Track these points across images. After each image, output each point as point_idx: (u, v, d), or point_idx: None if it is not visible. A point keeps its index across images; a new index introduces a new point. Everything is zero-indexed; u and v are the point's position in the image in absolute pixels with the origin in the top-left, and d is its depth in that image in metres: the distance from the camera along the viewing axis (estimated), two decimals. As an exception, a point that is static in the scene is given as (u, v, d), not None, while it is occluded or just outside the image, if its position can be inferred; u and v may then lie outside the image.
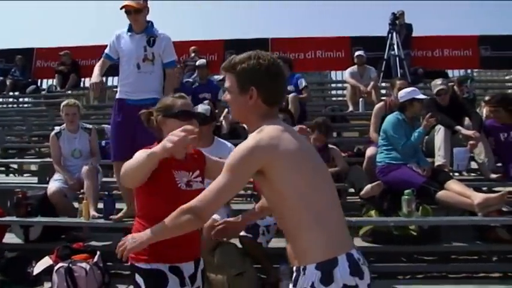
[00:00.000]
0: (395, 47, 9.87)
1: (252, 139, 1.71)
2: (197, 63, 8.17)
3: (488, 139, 5.25)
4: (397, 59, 9.77)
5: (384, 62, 9.95)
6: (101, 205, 4.65)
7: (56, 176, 5.02)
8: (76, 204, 4.84)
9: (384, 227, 4.34)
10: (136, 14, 4.19)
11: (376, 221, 4.32)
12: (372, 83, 8.21)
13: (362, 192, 4.58)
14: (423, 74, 10.31)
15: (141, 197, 2.17)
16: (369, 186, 4.53)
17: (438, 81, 5.59)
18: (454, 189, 4.38)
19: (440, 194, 4.37)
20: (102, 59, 4.40)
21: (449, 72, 11.11)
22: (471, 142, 5.03)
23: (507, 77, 14.16)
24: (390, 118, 4.83)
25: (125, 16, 4.24)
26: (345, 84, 10.08)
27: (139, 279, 2.11)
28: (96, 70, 4.28)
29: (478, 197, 4.16)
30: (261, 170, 1.70)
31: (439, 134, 5.10)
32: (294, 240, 1.72)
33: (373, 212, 4.49)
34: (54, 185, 4.83)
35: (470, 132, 5.07)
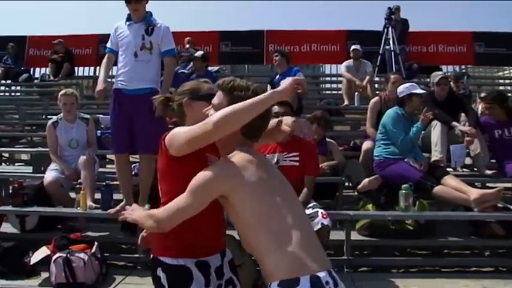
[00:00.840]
0: (391, 41, 9.91)
1: (218, 165, 1.81)
2: (196, 54, 8.13)
3: (483, 135, 5.29)
4: (392, 53, 9.82)
5: (379, 57, 10.01)
6: (97, 195, 4.63)
7: (52, 165, 4.99)
8: (72, 195, 4.83)
9: (380, 221, 4.37)
10: (137, 3, 4.14)
11: (373, 214, 4.35)
12: (367, 77, 8.24)
13: (359, 186, 4.61)
14: (418, 69, 10.37)
15: (168, 183, 2.04)
16: (366, 180, 4.56)
17: (438, 72, 5.63)
18: (451, 185, 4.42)
19: (437, 189, 4.40)
20: (106, 55, 4.35)
21: (444, 68, 11.20)
22: (467, 138, 5.07)
23: (500, 73, 14.28)
24: (390, 113, 4.85)
25: (120, 6, 4.22)
26: (339, 78, 10.12)
27: (161, 273, 2.00)
28: (102, 73, 4.29)
29: (474, 193, 4.21)
30: (223, 194, 1.79)
31: (436, 130, 5.13)
32: (260, 263, 1.76)
33: (370, 206, 4.52)
34: (50, 174, 4.81)
35: (466, 128, 5.11)
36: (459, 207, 4.68)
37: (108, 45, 4.32)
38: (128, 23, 4.24)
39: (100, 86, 4.21)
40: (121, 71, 4.18)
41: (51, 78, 11.03)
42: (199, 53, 8.09)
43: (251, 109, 1.77)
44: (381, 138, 4.86)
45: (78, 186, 4.59)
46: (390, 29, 10.04)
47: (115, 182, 4.82)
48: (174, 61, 4.49)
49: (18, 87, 11.59)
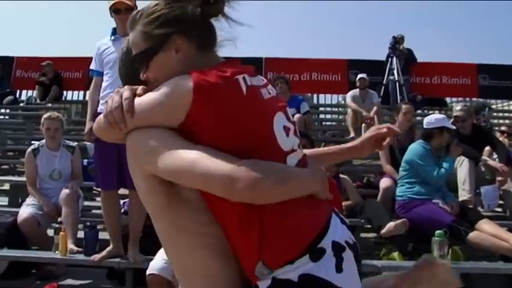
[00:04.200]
0: (395, 72, 9.57)
1: None
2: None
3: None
4: (397, 84, 9.46)
5: (383, 87, 9.65)
6: (81, 234, 4.02)
7: (29, 200, 4.35)
8: (50, 232, 4.20)
9: (409, 273, 3.77)
10: (128, 13, 3.59)
11: (405, 266, 3.74)
12: (374, 108, 7.85)
13: (383, 231, 4.01)
14: (422, 101, 10.00)
15: None
16: (392, 224, 3.97)
17: (458, 106, 5.16)
18: (487, 231, 3.88)
19: (472, 235, 3.85)
20: (93, 80, 3.81)
21: (448, 100, 10.90)
22: (500, 178, 4.57)
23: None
24: (415, 147, 4.35)
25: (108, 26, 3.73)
26: (340, 109, 9.66)
27: None
28: (90, 107, 3.77)
29: (518, 241, 3.66)
30: None
31: (463, 167, 4.59)
32: None
33: (396, 255, 3.93)
34: (26, 210, 4.16)
35: (498, 165, 4.61)
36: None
37: (93, 67, 3.79)
38: (113, 37, 3.71)
39: (88, 125, 3.67)
40: (107, 91, 3.61)
41: (38, 101, 10.47)
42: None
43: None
44: (405, 176, 4.33)
45: (58, 226, 3.94)
46: (395, 58, 9.72)
47: (97, 219, 4.21)
48: None
49: (3, 110, 10.98)
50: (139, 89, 1.25)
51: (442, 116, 4.56)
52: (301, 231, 1.17)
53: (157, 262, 3.13)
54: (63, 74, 10.91)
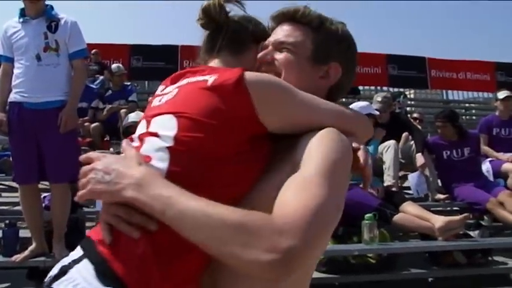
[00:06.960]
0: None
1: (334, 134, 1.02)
2: (113, 69, 7.24)
3: (430, 156, 5.09)
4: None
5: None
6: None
7: None
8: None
9: (341, 256, 3.88)
10: None
11: (339, 250, 3.81)
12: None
13: (315, 216, 4.10)
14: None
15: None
16: (323, 209, 4.06)
17: (378, 97, 5.34)
18: (411, 212, 4.09)
19: (398, 217, 4.03)
20: (1, 66, 3.48)
21: (360, 88, 11.36)
22: (419, 165, 4.86)
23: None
24: (341, 134, 4.47)
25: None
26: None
27: None
28: None
29: (439, 221, 3.88)
30: None
31: (388, 153, 4.80)
32: None
33: (327, 239, 4.01)
34: None
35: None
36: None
37: (0, 52, 3.46)
38: (21, 19, 3.40)
39: None
40: (20, 79, 3.34)
41: None
42: (120, 67, 7.28)
43: None
44: (332, 162, 4.44)
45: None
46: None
47: (15, 215, 3.88)
48: (86, 64, 3.72)
49: None
50: None
51: (365, 103, 4.71)
52: None
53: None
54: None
